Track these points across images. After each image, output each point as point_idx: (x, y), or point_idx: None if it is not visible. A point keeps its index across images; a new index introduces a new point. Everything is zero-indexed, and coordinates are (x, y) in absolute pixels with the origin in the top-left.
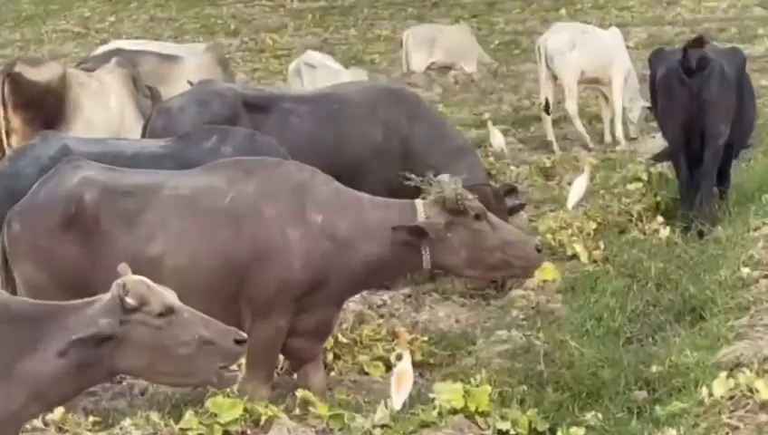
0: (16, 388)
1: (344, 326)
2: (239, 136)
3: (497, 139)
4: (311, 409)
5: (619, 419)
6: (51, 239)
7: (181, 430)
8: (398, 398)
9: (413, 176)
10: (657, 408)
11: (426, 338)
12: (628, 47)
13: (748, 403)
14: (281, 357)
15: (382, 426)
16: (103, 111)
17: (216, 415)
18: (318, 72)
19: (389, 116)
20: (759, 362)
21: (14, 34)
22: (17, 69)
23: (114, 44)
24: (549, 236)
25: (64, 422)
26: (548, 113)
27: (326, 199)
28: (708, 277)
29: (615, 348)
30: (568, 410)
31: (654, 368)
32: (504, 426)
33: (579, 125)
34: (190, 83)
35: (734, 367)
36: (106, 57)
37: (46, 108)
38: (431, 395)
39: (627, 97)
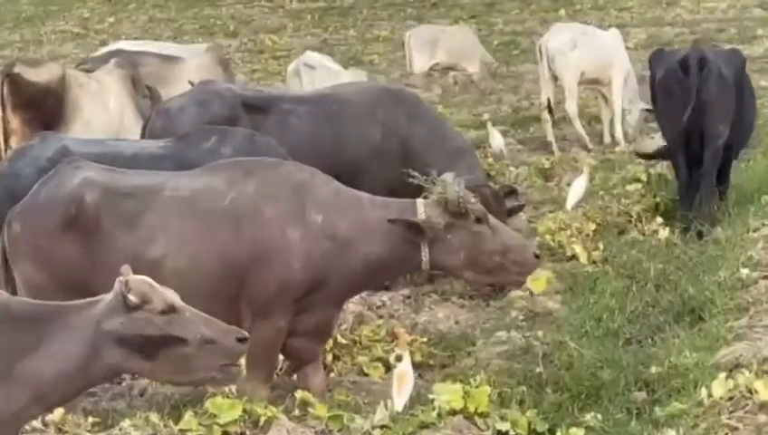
0: (17, 389)
1: (343, 327)
2: (238, 137)
3: (496, 139)
4: (310, 410)
5: (618, 419)
6: (51, 240)
7: (180, 430)
8: (399, 399)
9: (416, 174)
10: (657, 409)
11: (425, 339)
12: (627, 48)
13: (747, 404)
14: (280, 358)
15: (381, 427)
16: (102, 111)
17: (215, 416)
18: (317, 73)
19: (389, 117)
20: (758, 362)
21: (14, 35)
22: (16, 70)
23: (116, 45)
24: (548, 236)
25: (64, 423)
26: (551, 114)
27: (326, 199)
28: (707, 278)
29: (614, 349)
30: (567, 411)
31: (653, 369)
32: (504, 427)
33: (578, 126)
34: (191, 83)
35: (734, 368)
36: (106, 58)
37: (45, 109)
38: (430, 396)
39: (626, 99)
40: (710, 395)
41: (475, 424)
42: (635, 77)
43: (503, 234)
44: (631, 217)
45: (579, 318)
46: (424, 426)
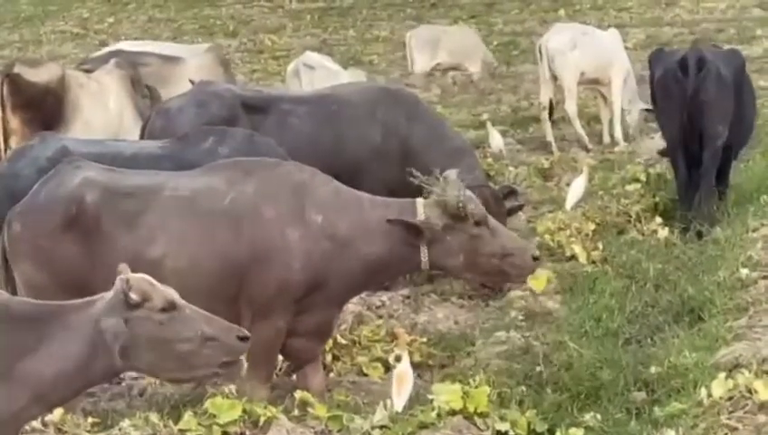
0: (18, 389)
1: (343, 327)
2: (238, 137)
3: (496, 139)
4: (309, 410)
5: (617, 419)
6: (51, 240)
7: (180, 430)
8: (399, 400)
9: (418, 174)
10: (656, 409)
11: (424, 339)
12: (626, 48)
13: (747, 404)
14: (280, 358)
15: (381, 427)
16: (102, 112)
17: (214, 416)
18: (316, 73)
19: (388, 117)
20: (758, 362)
21: (13, 35)
22: (16, 70)
23: (116, 46)
24: (547, 236)
25: (63, 423)
26: (551, 114)
27: (326, 199)
28: (707, 278)
29: (614, 349)
30: (567, 411)
31: (653, 369)
32: (503, 427)
33: (578, 126)
34: (192, 83)
35: (733, 368)
36: (106, 58)
37: (45, 109)
38: (430, 396)
39: (625, 99)
40: (710, 395)
41: (475, 424)
42: (634, 77)
43: (502, 236)
44: (630, 217)
45: (578, 318)
46: (423, 426)
